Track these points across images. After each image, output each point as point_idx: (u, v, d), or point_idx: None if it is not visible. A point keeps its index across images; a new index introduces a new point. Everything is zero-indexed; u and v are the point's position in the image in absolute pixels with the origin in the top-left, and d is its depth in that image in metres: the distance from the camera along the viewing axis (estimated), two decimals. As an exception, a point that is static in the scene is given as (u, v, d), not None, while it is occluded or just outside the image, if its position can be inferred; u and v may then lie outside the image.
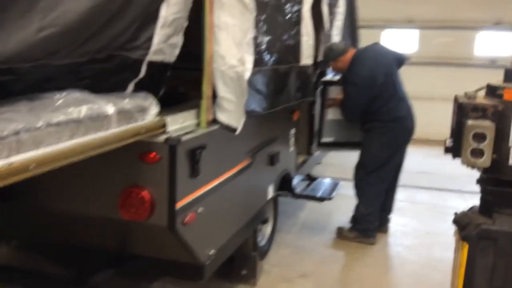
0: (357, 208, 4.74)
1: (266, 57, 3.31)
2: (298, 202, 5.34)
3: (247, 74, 2.77)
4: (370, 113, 4.60)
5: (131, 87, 2.60)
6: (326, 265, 4.39)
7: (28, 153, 1.72)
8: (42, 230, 2.98)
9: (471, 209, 2.36)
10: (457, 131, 2.18)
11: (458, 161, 2.30)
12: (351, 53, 4.66)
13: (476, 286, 2.20)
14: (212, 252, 2.92)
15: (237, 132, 2.86)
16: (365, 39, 6.44)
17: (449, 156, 2.33)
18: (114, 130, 2.15)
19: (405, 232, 5.12)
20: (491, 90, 2.21)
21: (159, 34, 2.55)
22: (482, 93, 2.23)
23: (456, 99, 2.29)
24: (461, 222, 2.20)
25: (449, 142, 2.26)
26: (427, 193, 6.53)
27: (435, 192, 6.58)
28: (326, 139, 5.12)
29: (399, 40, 9.82)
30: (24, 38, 1.83)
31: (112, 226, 2.77)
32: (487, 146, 2.08)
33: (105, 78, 2.41)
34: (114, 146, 2.14)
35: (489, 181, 2.26)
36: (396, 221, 5.29)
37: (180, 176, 2.50)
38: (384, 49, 4.93)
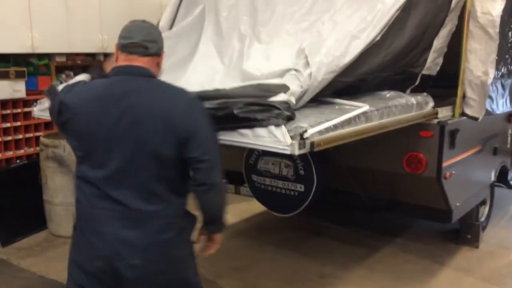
0: None
1: (496, 71, 4.56)
2: (509, 196, 6.30)
3: (489, 81, 4.08)
4: None
5: (408, 91, 4.14)
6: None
7: (374, 123, 3.28)
8: (341, 181, 4.64)
9: None
10: None
11: None
12: None
13: None
14: (458, 204, 4.26)
15: (479, 119, 4.17)
16: None
17: None
18: (414, 113, 3.67)
19: None
20: None
21: (430, 56, 4.04)
22: None
23: None
24: None
25: None
26: None
27: None
28: None
29: None
30: (375, 61, 3.46)
31: (391, 179, 4.29)
32: None
33: (398, 84, 3.98)
34: (412, 122, 3.66)
35: None
36: None
37: (445, 146, 3.92)
38: None
